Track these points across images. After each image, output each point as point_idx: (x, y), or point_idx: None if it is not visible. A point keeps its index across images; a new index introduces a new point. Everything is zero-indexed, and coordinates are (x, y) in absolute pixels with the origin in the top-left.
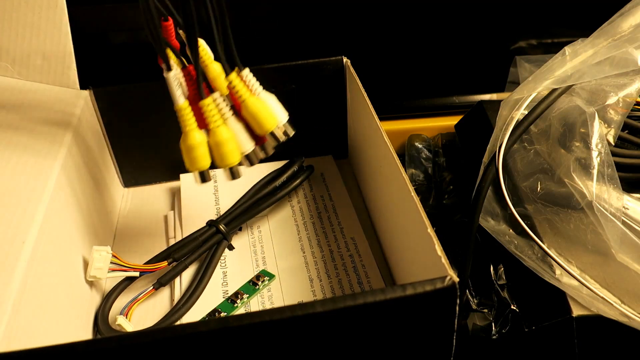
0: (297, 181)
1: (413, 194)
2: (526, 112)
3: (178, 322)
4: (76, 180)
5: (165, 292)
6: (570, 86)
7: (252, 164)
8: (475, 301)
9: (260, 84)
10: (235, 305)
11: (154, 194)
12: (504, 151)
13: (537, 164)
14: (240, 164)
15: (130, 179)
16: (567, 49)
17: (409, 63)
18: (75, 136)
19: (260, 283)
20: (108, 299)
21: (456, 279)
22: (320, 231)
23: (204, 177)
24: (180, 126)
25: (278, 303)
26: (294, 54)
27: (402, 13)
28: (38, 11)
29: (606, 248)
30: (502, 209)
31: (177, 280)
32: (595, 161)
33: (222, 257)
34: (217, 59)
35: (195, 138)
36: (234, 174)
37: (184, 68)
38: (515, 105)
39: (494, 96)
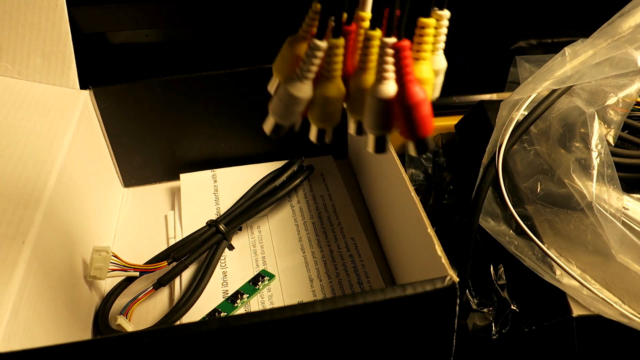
0: (297, 181)
1: (413, 194)
2: (526, 113)
3: (178, 322)
4: (76, 180)
5: (165, 292)
6: (570, 87)
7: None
8: (475, 301)
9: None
10: (235, 305)
11: (154, 194)
12: (504, 152)
13: (537, 164)
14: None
15: (130, 179)
16: (567, 50)
17: None
18: (75, 136)
19: (260, 283)
20: (108, 299)
21: (456, 279)
22: (320, 231)
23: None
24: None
25: (278, 303)
26: None
27: None
28: (38, 11)
29: (606, 248)
30: (502, 210)
31: (177, 280)
32: (595, 162)
33: (222, 257)
34: None
35: (340, 88)
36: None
37: None
38: (515, 106)
39: (494, 96)
